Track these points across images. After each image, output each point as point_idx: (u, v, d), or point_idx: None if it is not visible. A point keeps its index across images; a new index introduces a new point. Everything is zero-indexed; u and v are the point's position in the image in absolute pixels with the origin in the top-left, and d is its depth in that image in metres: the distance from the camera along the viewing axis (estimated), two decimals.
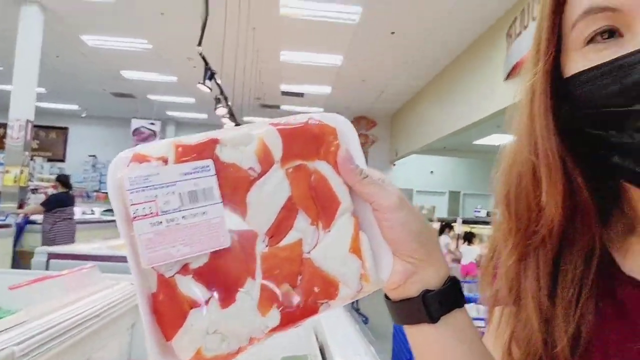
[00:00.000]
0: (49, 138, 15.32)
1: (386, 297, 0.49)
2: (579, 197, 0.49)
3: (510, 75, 6.04)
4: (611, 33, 0.43)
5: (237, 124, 7.54)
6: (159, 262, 0.36)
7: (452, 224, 8.14)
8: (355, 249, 0.42)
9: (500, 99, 6.48)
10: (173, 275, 0.36)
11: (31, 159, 9.09)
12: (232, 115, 6.45)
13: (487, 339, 0.59)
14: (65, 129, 15.50)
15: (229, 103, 6.23)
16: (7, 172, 6.90)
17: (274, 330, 0.39)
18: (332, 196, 0.43)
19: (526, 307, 0.50)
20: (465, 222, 9.56)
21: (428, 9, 6.46)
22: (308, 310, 0.40)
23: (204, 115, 14.73)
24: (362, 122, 13.60)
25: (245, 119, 11.84)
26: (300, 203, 0.41)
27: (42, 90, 11.00)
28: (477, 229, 8.61)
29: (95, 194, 12.67)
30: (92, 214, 9.37)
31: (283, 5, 6.53)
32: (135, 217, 0.35)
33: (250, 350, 0.40)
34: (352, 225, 0.43)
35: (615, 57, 0.42)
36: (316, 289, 0.40)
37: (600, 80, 0.43)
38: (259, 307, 0.38)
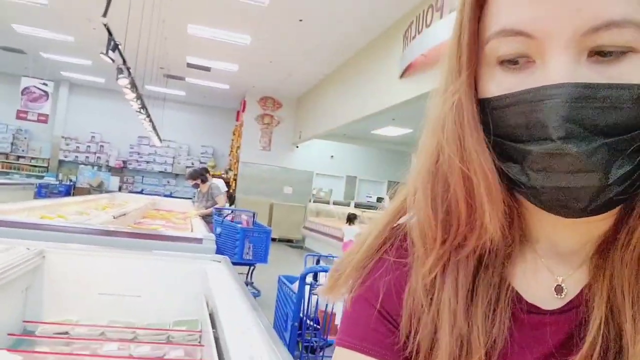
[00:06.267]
0: None
1: None
2: (512, 212, 0.47)
3: (404, 74, 6.49)
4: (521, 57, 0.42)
5: (139, 94, 7.34)
6: None
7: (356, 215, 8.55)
8: None
9: (396, 95, 6.93)
10: None
11: None
12: (133, 86, 6.30)
13: None
14: None
15: (131, 74, 6.09)
16: None
17: None
18: None
19: (442, 319, 0.48)
20: (357, 206, 10.18)
21: (335, 2, 6.76)
22: None
23: (101, 79, 13.95)
24: (269, 102, 13.74)
25: (148, 87, 11.43)
26: None
27: None
28: (367, 213, 9.23)
29: None
30: None
31: None
32: None
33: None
34: None
35: (522, 89, 0.41)
36: None
37: (508, 110, 0.42)
38: None
